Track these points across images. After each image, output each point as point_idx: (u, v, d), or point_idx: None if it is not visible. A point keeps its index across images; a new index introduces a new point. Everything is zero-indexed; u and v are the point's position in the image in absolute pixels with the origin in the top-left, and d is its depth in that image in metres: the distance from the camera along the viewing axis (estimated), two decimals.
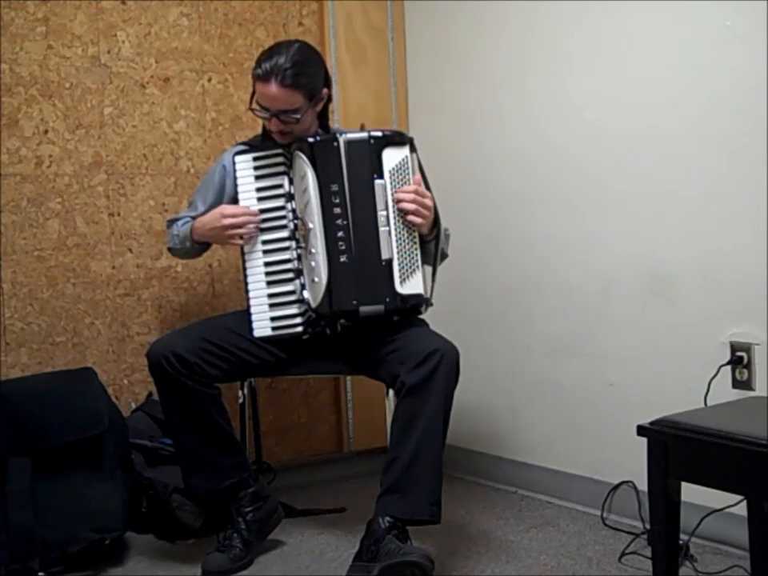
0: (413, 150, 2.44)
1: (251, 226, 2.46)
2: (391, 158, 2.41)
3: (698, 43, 2.44)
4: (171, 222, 2.70)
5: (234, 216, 2.46)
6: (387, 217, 2.39)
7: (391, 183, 2.40)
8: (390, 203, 2.39)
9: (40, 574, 2.34)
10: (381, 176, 2.40)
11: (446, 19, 3.19)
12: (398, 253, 2.39)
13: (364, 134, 2.42)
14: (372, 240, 2.39)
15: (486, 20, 3.04)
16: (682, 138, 2.49)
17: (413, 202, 2.37)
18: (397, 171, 2.41)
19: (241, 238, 2.47)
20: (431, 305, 2.48)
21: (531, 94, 2.91)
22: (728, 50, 2.37)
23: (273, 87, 2.40)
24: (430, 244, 2.49)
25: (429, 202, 2.41)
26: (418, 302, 2.41)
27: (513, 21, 2.95)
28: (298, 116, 2.44)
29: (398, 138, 2.43)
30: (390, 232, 2.39)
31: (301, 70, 2.41)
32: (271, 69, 2.39)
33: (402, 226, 2.40)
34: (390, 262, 2.39)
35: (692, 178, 2.47)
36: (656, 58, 2.54)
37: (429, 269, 2.50)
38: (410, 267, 2.40)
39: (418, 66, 3.34)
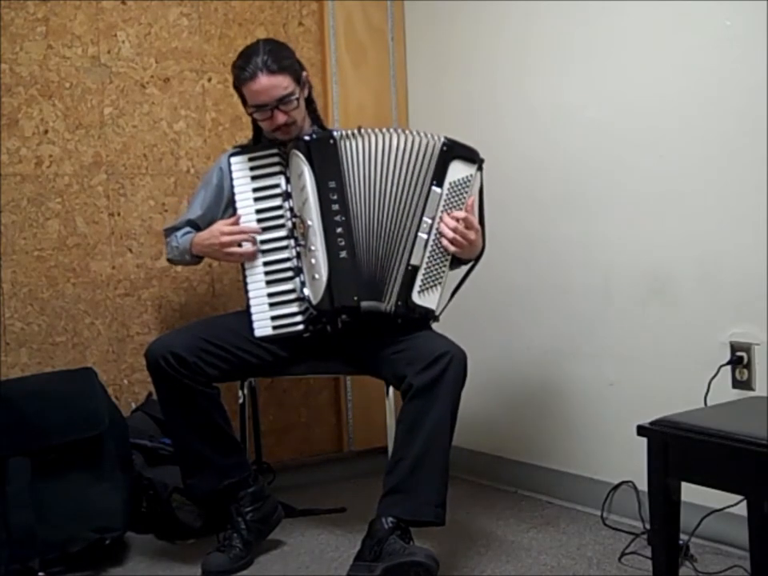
0: (480, 170, 2.43)
1: (248, 243, 2.46)
2: (457, 171, 2.39)
3: (698, 43, 2.44)
4: (169, 231, 2.70)
5: (231, 234, 2.47)
6: (430, 226, 2.38)
7: (447, 195, 2.38)
8: (439, 214, 2.38)
9: (40, 574, 2.34)
10: (440, 185, 2.38)
11: (445, 19, 3.19)
12: (426, 263, 2.38)
13: (437, 139, 2.40)
14: (402, 241, 2.38)
15: (485, 20, 3.04)
16: (682, 138, 2.49)
17: (454, 230, 2.36)
18: (457, 186, 2.39)
19: (241, 255, 2.47)
20: (438, 320, 2.47)
21: (531, 94, 2.91)
22: (728, 50, 2.37)
23: (263, 79, 2.42)
24: (463, 265, 2.50)
25: (472, 236, 2.37)
26: (426, 317, 2.41)
27: (513, 21, 2.95)
28: (296, 96, 2.46)
29: (469, 154, 2.42)
30: (427, 241, 2.38)
31: (278, 55, 2.46)
32: (254, 66, 2.42)
33: (440, 240, 2.38)
34: (416, 268, 2.38)
35: (692, 178, 2.48)
36: (656, 58, 2.54)
37: (451, 284, 2.50)
38: (433, 281, 2.39)
39: (418, 66, 3.34)
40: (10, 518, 2.34)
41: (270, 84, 2.42)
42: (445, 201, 2.39)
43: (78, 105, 2.87)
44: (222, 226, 2.51)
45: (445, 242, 2.37)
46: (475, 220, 2.41)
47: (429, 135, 2.42)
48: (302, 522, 2.78)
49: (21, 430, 2.43)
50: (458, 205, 2.40)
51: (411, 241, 2.39)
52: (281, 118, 2.47)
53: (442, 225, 2.37)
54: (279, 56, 2.45)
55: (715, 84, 2.40)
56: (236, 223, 2.49)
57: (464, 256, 2.44)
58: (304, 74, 2.54)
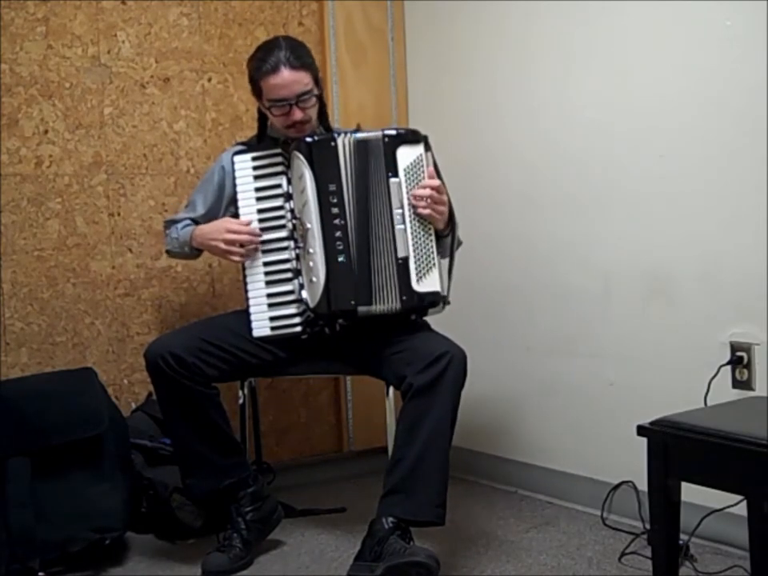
0: (427, 148, 2.44)
1: (251, 246, 2.46)
2: (406, 156, 2.41)
3: (698, 43, 2.44)
4: (170, 223, 2.71)
5: (237, 233, 2.47)
6: (403, 215, 2.39)
7: (406, 181, 2.40)
8: (406, 201, 2.39)
9: (40, 574, 2.34)
10: (396, 174, 2.40)
11: (445, 19, 3.19)
12: (414, 251, 2.39)
13: (378, 133, 2.42)
14: (385, 238, 2.39)
15: (486, 20, 3.04)
16: (682, 138, 2.49)
17: (429, 197, 2.37)
18: (411, 169, 2.40)
19: (241, 256, 2.47)
20: (448, 303, 2.47)
21: (532, 94, 2.91)
22: (728, 50, 2.37)
23: (285, 73, 2.42)
24: (446, 239, 2.49)
25: (444, 198, 2.41)
26: (435, 300, 2.41)
27: (513, 21, 2.95)
28: (316, 93, 2.48)
29: (411, 137, 2.43)
30: (405, 230, 2.39)
31: (300, 53, 2.48)
32: (277, 60, 2.43)
33: (417, 224, 2.39)
34: (406, 259, 2.38)
35: (692, 178, 2.47)
36: (656, 58, 2.54)
37: (445, 265, 2.50)
38: (427, 265, 2.39)
39: (418, 66, 3.34)
40: (10, 518, 2.34)
41: (293, 79, 2.43)
42: (406, 186, 2.40)
43: (78, 105, 2.87)
44: (228, 223, 2.50)
45: (420, 210, 2.38)
46: (437, 181, 2.42)
47: (372, 131, 2.44)
48: (301, 521, 2.78)
49: (21, 429, 2.43)
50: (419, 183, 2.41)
51: (392, 235, 2.39)
52: (298, 115, 2.47)
53: (413, 199, 2.38)
54: (300, 53, 2.48)
55: (715, 84, 2.40)
56: (242, 225, 2.49)
57: (439, 223, 2.43)
58: (320, 74, 2.55)
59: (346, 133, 2.46)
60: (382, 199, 2.40)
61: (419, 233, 2.40)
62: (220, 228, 2.51)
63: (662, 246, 2.56)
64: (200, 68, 3.06)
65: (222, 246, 2.49)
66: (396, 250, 2.39)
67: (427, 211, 2.38)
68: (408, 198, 2.39)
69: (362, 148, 2.41)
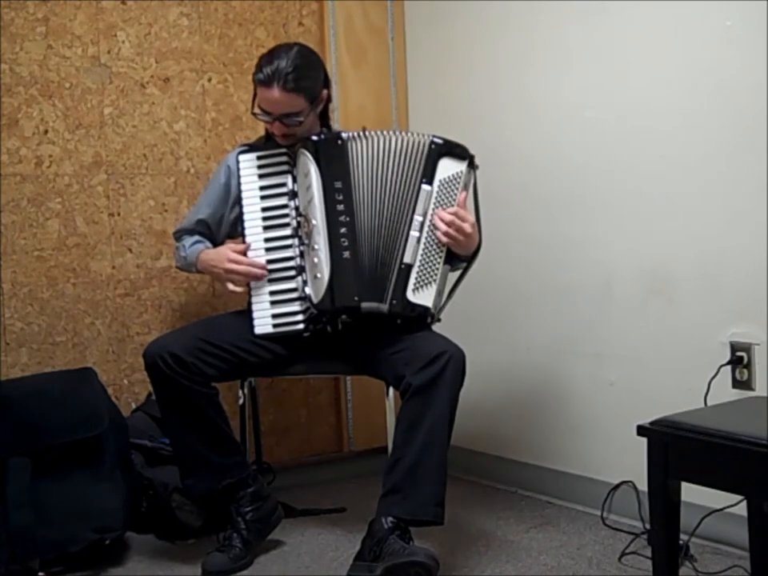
0: (471, 166, 2.43)
1: (251, 276, 2.46)
2: (447, 168, 2.40)
3: (697, 43, 2.44)
4: (179, 234, 2.70)
5: (237, 263, 2.46)
6: (422, 223, 2.39)
7: (438, 192, 2.39)
8: (430, 211, 2.39)
9: (40, 574, 2.34)
10: (430, 182, 2.39)
11: (446, 19, 3.19)
12: (420, 261, 2.38)
13: (425, 138, 2.42)
14: (396, 239, 2.39)
15: (486, 20, 3.04)
16: (682, 138, 2.49)
17: (450, 224, 2.36)
18: (447, 183, 2.40)
19: (242, 285, 2.47)
20: (439, 320, 2.47)
21: (532, 94, 2.91)
22: (728, 50, 2.37)
23: (275, 92, 2.40)
24: (460, 261, 2.48)
25: (467, 228, 2.37)
26: (423, 314, 2.40)
27: (513, 21, 2.95)
28: (301, 119, 2.45)
29: (458, 151, 2.42)
30: (419, 239, 2.39)
31: (302, 73, 2.42)
32: (273, 73, 2.39)
33: (433, 237, 2.39)
34: (409, 267, 2.38)
35: (692, 177, 2.48)
36: (656, 58, 2.54)
37: (449, 284, 2.50)
38: (427, 279, 2.39)
39: (417, 66, 3.34)
40: (10, 518, 2.34)
41: (281, 100, 2.41)
42: (436, 198, 2.39)
43: (78, 105, 2.87)
44: (229, 251, 2.50)
45: (438, 234, 2.37)
46: (468, 213, 2.41)
47: (418, 135, 2.44)
48: (301, 521, 2.78)
49: (21, 429, 2.42)
50: (450, 201, 2.40)
51: (404, 239, 2.39)
52: (278, 129, 2.47)
53: (435, 219, 2.38)
54: (303, 74, 2.41)
55: (715, 84, 2.40)
56: (244, 252, 2.48)
57: (461, 251, 2.43)
58: (324, 91, 2.52)
59: (364, 131, 2.45)
60: (408, 202, 2.40)
61: (432, 246, 2.39)
62: (222, 257, 2.50)
63: (662, 245, 2.56)
64: (200, 68, 3.06)
65: (223, 274, 2.49)
66: (403, 253, 2.39)
67: (444, 239, 2.37)
68: (432, 211, 2.39)
69: (399, 148, 2.41)
